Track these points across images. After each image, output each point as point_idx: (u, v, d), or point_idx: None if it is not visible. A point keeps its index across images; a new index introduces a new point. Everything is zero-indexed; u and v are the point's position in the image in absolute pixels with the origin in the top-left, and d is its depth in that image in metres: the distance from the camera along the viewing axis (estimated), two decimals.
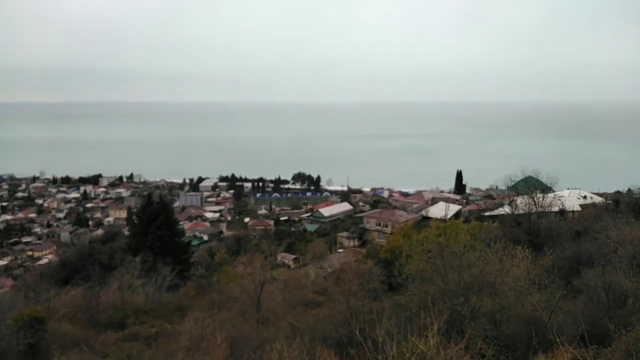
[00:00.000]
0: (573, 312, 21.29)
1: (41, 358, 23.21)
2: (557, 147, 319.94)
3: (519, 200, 54.51)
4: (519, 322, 20.25)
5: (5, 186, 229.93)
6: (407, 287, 26.58)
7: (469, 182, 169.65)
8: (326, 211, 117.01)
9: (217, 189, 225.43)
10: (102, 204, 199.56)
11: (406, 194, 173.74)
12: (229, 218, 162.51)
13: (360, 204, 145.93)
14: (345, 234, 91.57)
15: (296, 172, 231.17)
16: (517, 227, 49.31)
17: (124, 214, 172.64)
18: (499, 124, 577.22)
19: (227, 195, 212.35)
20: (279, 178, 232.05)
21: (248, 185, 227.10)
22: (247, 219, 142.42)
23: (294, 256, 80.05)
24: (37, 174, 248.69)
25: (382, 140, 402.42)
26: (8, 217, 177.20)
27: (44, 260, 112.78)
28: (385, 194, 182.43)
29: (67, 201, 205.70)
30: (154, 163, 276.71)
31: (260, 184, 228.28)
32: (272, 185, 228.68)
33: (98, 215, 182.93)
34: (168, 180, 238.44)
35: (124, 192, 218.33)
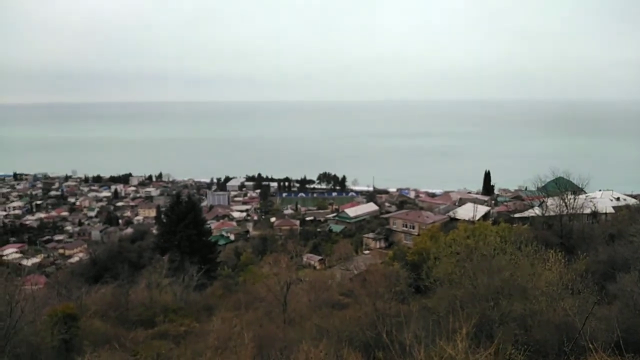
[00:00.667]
0: (607, 318, 20.54)
1: (74, 354, 23.64)
2: (587, 146, 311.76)
3: (550, 201, 53.44)
4: (551, 328, 19.82)
5: (40, 185, 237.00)
6: (435, 290, 26.32)
7: (497, 182, 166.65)
8: (352, 212, 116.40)
9: (244, 189, 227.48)
10: (132, 203, 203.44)
11: (433, 195, 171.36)
12: (256, 217, 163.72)
13: (386, 204, 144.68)
14: (371, 235, 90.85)
15: (321, 172, 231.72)
16: (548, 230, 48.37)
17: (153, 212, 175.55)
18: (524, 122, 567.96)
19: (254, 194, 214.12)
20: (305, 178, 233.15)
21: (274, 185, 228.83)
22: (273, 219, 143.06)
23: (319, 257, 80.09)
24: (69, 173, 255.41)
25: (406, 140, 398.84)
26: (42, 215, 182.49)
27: (75, 258, 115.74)
28: (412, 194, 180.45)
29: (99, 200, 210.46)
30: (181, 162, 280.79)
31: (286, 183, 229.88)
32: (297, 185, 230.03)
33: (128, 213, 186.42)
34: (196, 179, 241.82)
35: (153, 191, 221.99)
